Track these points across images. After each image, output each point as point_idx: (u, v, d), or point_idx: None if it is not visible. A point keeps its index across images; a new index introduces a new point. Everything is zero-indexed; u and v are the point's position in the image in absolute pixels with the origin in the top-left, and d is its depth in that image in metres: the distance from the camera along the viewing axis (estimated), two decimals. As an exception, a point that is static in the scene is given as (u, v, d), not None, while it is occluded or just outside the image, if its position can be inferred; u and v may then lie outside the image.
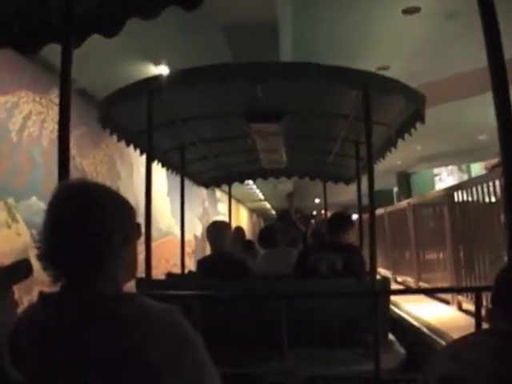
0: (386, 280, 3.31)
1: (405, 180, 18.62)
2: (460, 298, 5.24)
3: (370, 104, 3.27)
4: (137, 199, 8.21)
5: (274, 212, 26.08)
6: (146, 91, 3.20)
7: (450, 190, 5.87)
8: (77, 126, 6.35)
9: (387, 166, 17.39)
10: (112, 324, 1.01)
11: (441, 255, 6.25)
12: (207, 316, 2.76)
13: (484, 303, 2.69)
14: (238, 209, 23.11)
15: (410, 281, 7.57)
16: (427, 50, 7.26)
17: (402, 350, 3.37)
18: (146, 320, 1.02)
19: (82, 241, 1.08)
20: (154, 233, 8.66)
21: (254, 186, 15.88)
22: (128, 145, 4.24)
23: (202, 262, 3.88)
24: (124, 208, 1.21)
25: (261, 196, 18.75)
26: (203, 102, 4.00)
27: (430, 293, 6.05)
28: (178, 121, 4.26)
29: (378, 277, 3.43)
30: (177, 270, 9.69)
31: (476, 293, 2.31)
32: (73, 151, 5.62)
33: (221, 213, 17.34)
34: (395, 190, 20.28)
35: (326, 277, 3.41)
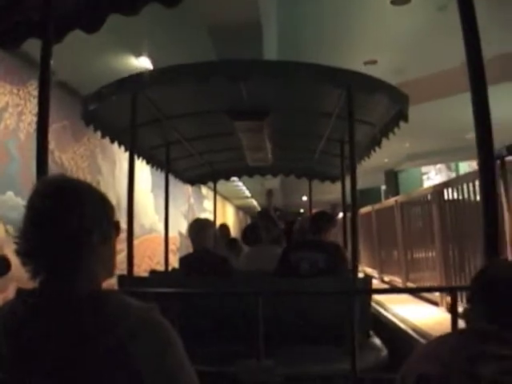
0: (367, 278, 3.33)
1: (393, 178, 18.35)
2: (448, 298, 5.14)
3: (352, 104, 3.30)
4: (119, 195, 8.11)
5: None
6: (129, 89, 3.18)
7: (439, 187, 5.71)
8: (57, 119, 6.27)
9: (375, 163, 17.03)
10: (93, 322, 1.00)
11: (430, 254, 6.04)
12: (187, 314, 2.78)
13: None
14: (225, 206, 23.12)
15: (398, 281, 7.33)
16: (417, 43, 6.97)
17: (384, 349, 3.40)
18: (128, 318, 1.02)
19: (61, 238, 1.09)
20: (137, 229, 8.38)
21: (241, 184, 15.80)
22: (112, 142, 4.23)
23: (184, 260, 3.88)
24: (103, 206, 1.21)
25: (247, 193, 18.77)
26: (187, 99, 4.01)
27: (410, 292, 6.10)
28: (162, 118, 4.25)
29: (360, 275, 3.46)
30: (161, 267, 9.66)
31: (451, 292, 2.34)
32: (51, 145, 5.55)
33: (207, 210, 17.19)
34: (383, 188, 20.22)
35: (308, 275, 3.43)
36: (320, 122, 4.44)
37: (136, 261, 7.94)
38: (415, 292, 6.00)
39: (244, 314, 2.81)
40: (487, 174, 1.91)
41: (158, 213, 10.75)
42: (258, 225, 5.02)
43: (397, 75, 6.66)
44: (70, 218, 1.09)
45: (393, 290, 6.56)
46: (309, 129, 4.86)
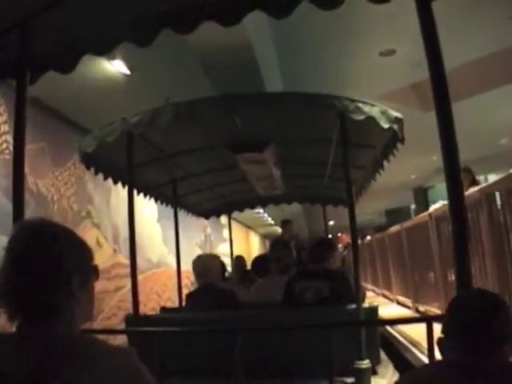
0: (373, 307, 3.32)
1: (422, 195, 18.00)
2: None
3: (346, 129, 3.37)
4: (116, 226, 8.14)
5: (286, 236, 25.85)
6: (124, 134, 3.30)
7: (489, 188, 4.56)
8: (31, 140, 5.63)
9: (402, 181, 16.42)
10: (70, 366, 1.02)
11: (478, 273, 4.78)
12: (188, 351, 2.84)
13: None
14: (249, 235, 22.98)
15: (435, 311, 6.12)
16: (440, 29, 6.41)
17: (395, 375, 3.37)
18: (105, 361, 1.05)
19: (38, 281, 1.11)
20: (142, 263, 8.26)
21: (264, 212, 15.69)
22: (115, 182, 4.35)
23: (190, 296, 3.95)
24: (82, 250, 1.25)
25: (271, 221, 18.62)
26: (186, 136, 4.16)
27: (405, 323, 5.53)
28: (163, 157, 4.38)
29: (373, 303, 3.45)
30: (172, 303, 9.03)
31: (427, 322, 2.33)
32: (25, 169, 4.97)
33: (227, 240, 16.46)
34: (413, 207, 19.80)
35: (312, 304, 3.45)
36: (321, 149, 4.51)
37: (141, 298, 7.79)
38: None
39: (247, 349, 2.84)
40: (456, 200, 1.95)
41: (168, 244, 10.34)
42: (266, 256, 5.08)
43: (416, 68, 5.71)
44: (47, 262, 1.12)
45: (396, 320, 5.97)
46: (312, 156, 4.95)
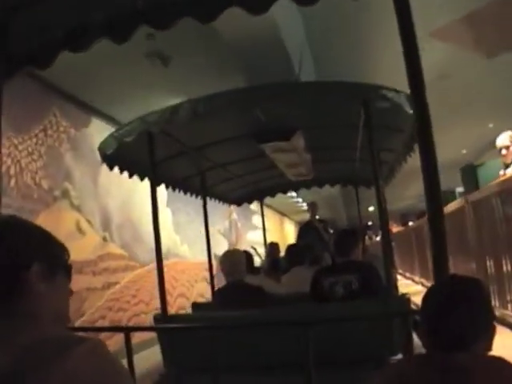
0: (403, 298, 3.30)
1: (471, 175, 15.13)
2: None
3: (371, 118, 3.35)
4: (106, 210, 7.15)
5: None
6: (143, 133, 3.35)
7: None
8: None
9: (447, 158, 13.58)
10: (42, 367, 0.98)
11: None
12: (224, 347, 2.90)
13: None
14: (283, 223, 22.61)
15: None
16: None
17: None
18: (75, 351, 1.01)
19: None
20: (145, 255, 7.55)
21: (299, 198, 15.19)
22: (142, 179, 4.42)
23: (218, 294, 4.02)
24: (45, 239, 1.20)
25: (305, 207, 18.31)
26: (210, 129, 4.21)
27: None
28: (189, 150, 4.43)
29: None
30: (185, 300, 9.04)
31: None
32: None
33: (257, 227, 15.02)
34: (458, 190, 18.32)
35: (343, 298, 3.46)
36: (350, 133, 4.49)
37: (143, 296, 7.63)
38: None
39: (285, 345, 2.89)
40: (433, 192, 1.97)
41: (180, 232, 9.61)
42: (297, 245, 5.11)
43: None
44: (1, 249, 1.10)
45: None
46: (341, 140, 4.95)
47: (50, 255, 1.18)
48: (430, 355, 1.40)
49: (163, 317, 3.48)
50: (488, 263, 5.43)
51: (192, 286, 9.97)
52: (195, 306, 4.55)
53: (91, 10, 2.30)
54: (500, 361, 1.33)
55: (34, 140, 5.71)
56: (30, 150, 5.62)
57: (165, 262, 3.65)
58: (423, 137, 2.04)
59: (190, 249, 10.05)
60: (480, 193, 5.73)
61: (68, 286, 1.24)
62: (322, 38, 6.31)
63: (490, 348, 1.41)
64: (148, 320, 7.18)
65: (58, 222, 5.88)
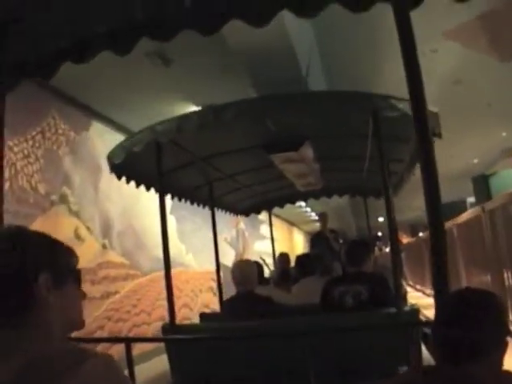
0: (414, 310, 3.29)
1: (483, 185, 15.06)
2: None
3: (379, 128, 3.35)
4: (107, 217, 7.02)
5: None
6: (152, 143, 3.37)
7: None
8: None
9: (460, 168, 13.66)
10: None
11: None
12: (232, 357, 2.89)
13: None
14: (292, 233, 22.50)
15: None
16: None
17: None
18: (84, 366, 1.03)
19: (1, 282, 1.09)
20: (147, 263, 7.37)
21: (308, 208, 15.18)
22: (148, 189, 4.44)
23: (227, 304, 4.02)
24: (51, 247, 1.20)
25: (314, 217, 18.14)
26: (218, 140, 4.25)
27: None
28: (197, 160, 4.45)
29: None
30: (188, 311, 8.82)
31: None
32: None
33: (265, 237, 15.00)
34: (470, 200, 18.14)
35: (352, 309, 3.44)
36: (358, 143, 4.49)
37: (144, 306, 7.42)
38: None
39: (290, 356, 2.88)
40: (433, 201, 1.95)
41: (184, 241, 9.44)
42: (308, 255, 5.11)
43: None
44: (8, 262, 1.10)
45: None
46: (350, 150, 4.96)
47: (57, 265, 1.18)
48: (439, 367, 1.38)
49: (171, 327, 3.48)
50: (506, 275, 5.26)
51: (196, 296, 9.89)
52: (203, 316, 4.55)
53: (93, 23, 2.33)
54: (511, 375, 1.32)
55: (31, 142, 5.61)
56: (25, 152, 5.51)
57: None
58: (424, 150, 2.05)
59: (196, 258, 9.97)
60: (498, 201, 5.54)
61: (78, 292, 1.26)
62: (330, 42, 6.31)
63: (501, 362, 1.38)
64: (150, 331, 7.18)
65: (56, 228, 5.79)
